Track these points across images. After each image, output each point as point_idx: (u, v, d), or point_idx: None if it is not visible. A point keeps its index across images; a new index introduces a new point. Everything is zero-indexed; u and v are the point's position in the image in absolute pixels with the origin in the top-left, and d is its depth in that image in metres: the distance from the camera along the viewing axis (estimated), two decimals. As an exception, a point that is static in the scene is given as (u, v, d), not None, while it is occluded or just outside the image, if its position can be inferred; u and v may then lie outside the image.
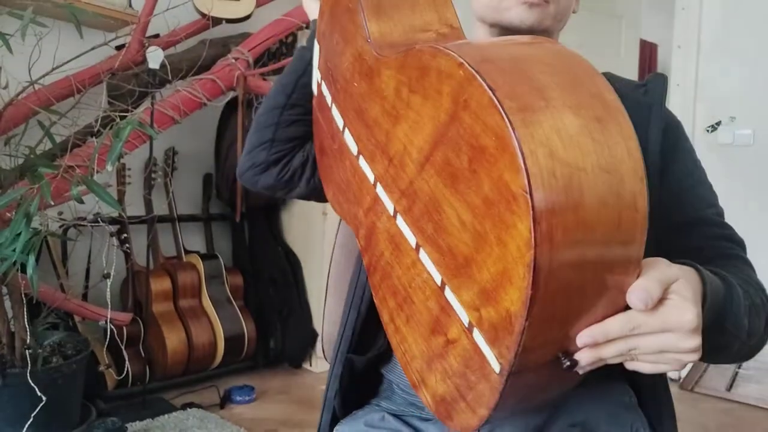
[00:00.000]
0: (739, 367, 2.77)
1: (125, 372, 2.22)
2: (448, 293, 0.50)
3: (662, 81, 0.78)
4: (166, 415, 2.13)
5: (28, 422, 1.61)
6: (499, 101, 0.42)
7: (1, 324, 1.70)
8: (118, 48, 2.18)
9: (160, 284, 2.39)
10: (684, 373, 2.72)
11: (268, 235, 2.75)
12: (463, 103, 0.45)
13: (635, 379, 0.79)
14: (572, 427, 0.72)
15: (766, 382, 2.60)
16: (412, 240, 0.54)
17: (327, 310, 1.02)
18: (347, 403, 0.87)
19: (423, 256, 0.53)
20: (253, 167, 0.89)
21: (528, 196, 0.40)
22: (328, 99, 0.73)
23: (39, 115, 1.78)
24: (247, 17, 2.37)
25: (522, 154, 0.40)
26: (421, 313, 0.54)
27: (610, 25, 3.55)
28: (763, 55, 2.69)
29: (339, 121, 0.70)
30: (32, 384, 1.59)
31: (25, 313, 1.69)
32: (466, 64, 0.44)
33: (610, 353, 0.48)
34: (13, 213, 1.47)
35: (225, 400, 2.30)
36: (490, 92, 0.42)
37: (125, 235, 2.30)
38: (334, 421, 0.87)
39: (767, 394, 2.49)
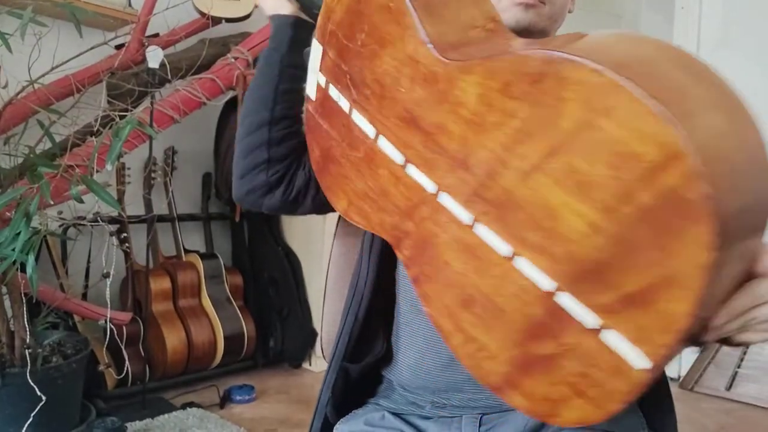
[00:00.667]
0: (738, 367, 2.77)
1: (125, 371, 2.21)
2: (565, 298, 0.50)
3: None
4: (165, 415, 2.13)
5: (28, 422, 1.61)
6: (660, 108, 0.42)
7: (1, 323, 1.70)
8: (118, 47, 2.18)
9: (159, 284, 2.39)
10: (683, 372, 2.72)
11: (267, 235, 2.75)
12: (604, 111, 0.44)
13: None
14: None
15: (766, 381, 2.60)
16: (503, 249, 0.54)
17: (326, 310, 1.02)
18: (340, 410, 0.87)
19: (523, 264, 0.53)
20: (253, 191, 0.85)
21: (706, 200, 0.41)
22: (343, 104, 0.70)
23: (38, 114, 1.78)
24: (247, 16, 2.36)
25: (696, 159, 0.41)
26: (513, 321, 0.55)
27: (610, 24, 3.56)
28: (763, 54, 2.69)
29: (367, 128, 0.66)
30: (32, 383, 1.59)
31: (25, 312, 1.68)
32: (607, 71, 0.44)
33: (735, 326, 0.50)
34: (13, 212, 1.47)
35: (225, 400, 2.30)
36: (647, 100, 0.42)
37: (125, 234, 2.30)
38: (326, 426, 0.87)
39: (767, 393, 2.49)
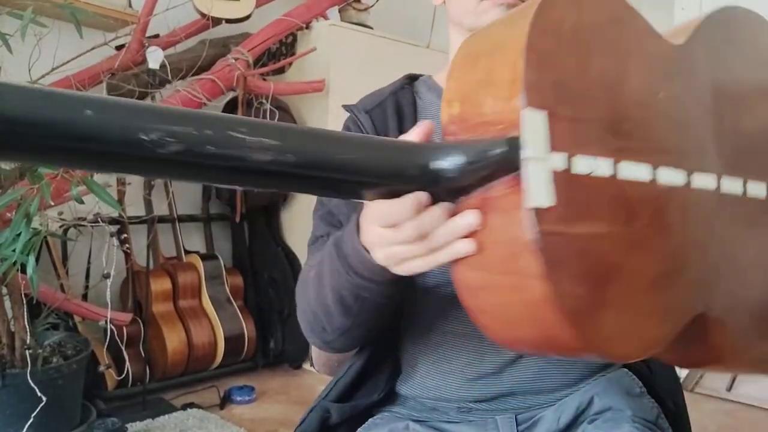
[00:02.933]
0: (739, 368, 2.77)
1: (125, 372, 2.21)
2: None
3: None
4: (166, 416, 2.13)
5: (28, 422, 1.61)
6: None
7: (1, 324, 1.70)
8: (118, 48, 2.18)
9: (160, 284, 2.39)
10: (684, 373, 2.72)
11: (267, 236, 2.75)
12: None
13: (647, 374, 0.82)
14: (603, 411, 0.77)
15: (767, 382, 2.60)
16: None
17: None
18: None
19: None
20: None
21: None
22: (604, 169, 0.49)
23: (39, 115, 1.78)
24: (247, 17, 2.37)
25: None
26: None
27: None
28: (763, 55, 2.68)
29: (638, 173, 0.51)
30: (32, 384, 1.59)
31: (25, 313, 1.68)
32: None
33: None
34: (13, 213, 1.47)
35: (225, 401, 2.30)
36: None
37: (125, 235, 2.30)
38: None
39: (767, 394, 2.49)
